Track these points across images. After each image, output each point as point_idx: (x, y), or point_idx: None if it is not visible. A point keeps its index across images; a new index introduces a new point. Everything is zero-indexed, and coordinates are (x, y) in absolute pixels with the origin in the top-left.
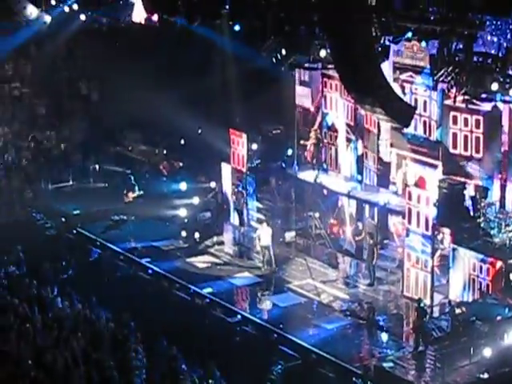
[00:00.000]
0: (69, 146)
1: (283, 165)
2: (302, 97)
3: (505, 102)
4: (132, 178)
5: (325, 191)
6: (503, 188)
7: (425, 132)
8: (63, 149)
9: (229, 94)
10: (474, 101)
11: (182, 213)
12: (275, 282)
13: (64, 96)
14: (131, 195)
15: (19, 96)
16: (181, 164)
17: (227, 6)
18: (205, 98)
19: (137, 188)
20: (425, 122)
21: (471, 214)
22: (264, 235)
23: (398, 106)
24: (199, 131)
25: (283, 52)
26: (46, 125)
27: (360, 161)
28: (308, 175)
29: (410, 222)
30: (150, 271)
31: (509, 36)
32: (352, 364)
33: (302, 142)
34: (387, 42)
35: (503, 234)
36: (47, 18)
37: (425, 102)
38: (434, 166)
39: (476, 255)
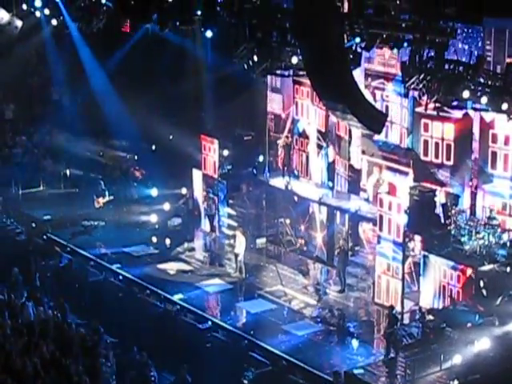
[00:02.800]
0: (39, 152)
1: (254, 171)
2: (274, 103)
3: (476, 109)
4: (102, 183)
5: (296, 198)
6: (474, 195)
7: (396, 139)
8: (34, 154)
9: (200, 100)
10: (446, 108)
11: (153, 219)
12: (245, 289)
13: (34, 101)
14: (101, 200)
15: None
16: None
17: (199, 12)
18: (176, 104)
19: (107, 193)
20: (396, 130)
21: (442, 221)
22: (238, 243)
23: (369, 113)
24: (170, 137)
25: (255, 58)
26: (16, 130)
27: (331, 167)
28: (279, 182)
29: (381, 229)
30: (120, 277)
31: (480, 44)
32: (322, 371)
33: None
34: (359, 49)
35: (474, 241)
36: (18, 23)
37: (396, 109)
38: (405, 173)
39: (447, 262)
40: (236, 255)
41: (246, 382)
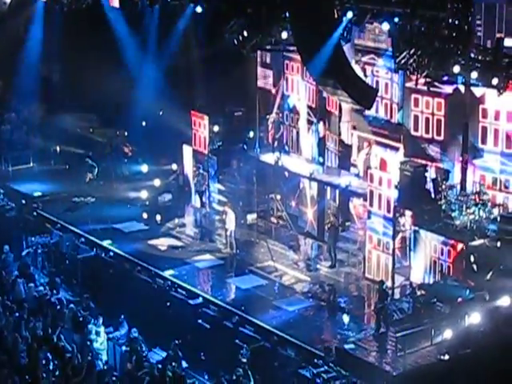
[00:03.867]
0: (28, 128)
1: (245, 147)
2: (264, 79)
3: (466, 84)
4: (90, 160)
5: (286, 173)
6: (464, 170)
7: (386, 114)
8: (23, 130)
9: (190, 76)
10: (436, 83)
11: (143, 195)
12: (236, 264)
13: (23, 77)
14: (89, 176)
15: None
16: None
17: None
18: (166, 79)
19: (96, 170)
20: (386, 105)
21: (432, 196)
22: (228, 219)
23: (359, 88)
24: (160, 113)
25: (245, 34)
26: (5, 106)
27: (321, 143)
28: (269, 157)
29: (371, 205)
30: (111, 253)
31: (470, 18)
32: (313, 346)
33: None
34: (349, 24)
35: (464, 216)
36: None
37: (386, 85)
38: (396, 149)
39: (437, 237)
40: (226, 231)
41: (244, 360)
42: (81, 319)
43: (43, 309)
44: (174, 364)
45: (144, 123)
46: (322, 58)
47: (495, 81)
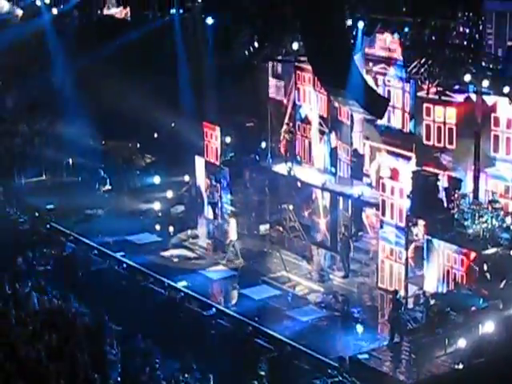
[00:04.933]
0: (41, 141)
1: (257, 158)
2: (275, 90)
3: (477, 93)
4: (102, 171)
5: (298, 184)
6: (476, 179)
7: (398, 124)
8: (35, 143)
9: (202, 88)
10: (447, 92)
11: (156, 206)
12: (248, 274)
13: (35, 90)
14: (102, 188)
15: None
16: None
17: (200, 0)
18: (178, 91)
19: (108, 182)
20: (398, 114)
21: (445, 205)
22: (231, 228)
23: (371, 98)
24: (172, 125)
25: (256, 45)
26: (17, 119)
27: (333, 153)
28: (282, 168)
29: (383, 214)
30: (124, 265)
31: (481, 27)
32: (327, 356)
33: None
34: (360, 34)
35: (477, 225)
36: (19, 12)
37: (398, 94)
38: (408, 158)
39: (450, 246)
40: (231, 241)
41: (262, 373)
42: (94, 331)
43: (56, 321)
44: (186, 375)
45: (156, 135)
46: (334, 68)
47: (506, 89)
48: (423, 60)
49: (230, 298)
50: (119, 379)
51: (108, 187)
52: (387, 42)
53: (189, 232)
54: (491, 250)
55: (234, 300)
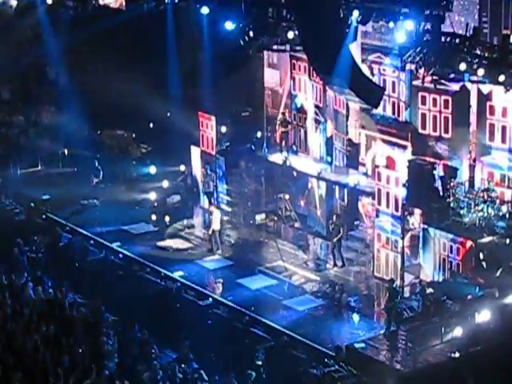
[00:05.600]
0: (36, 131)
1: (253, 147)
2: (271, 79)
3: (473, 81)
4: (97, 162)
5: (294, 173)
6: (472, 168)
7: (393, 113)
8: (31, 133)
9: (197, 77)
10: (443, 81)
11: (152, 196)
12: (243, 264)
13: (31, 80)
14: (95, 179)
15: None
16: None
17: None
18: (173, 81)
19: (101, 173)
20: (393, 103)
21: (441, 194)
22: (214, 218)
23: (367, 87)
24: (168, 114)
25: (251, 34)
26: (13, 110)
27: (329, 142)
28: (277, 157)
29: (379, 203)
30: (120, 255)
31: (476, 16)
32: (324, 345)
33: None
34: (355, 23)
35: (473, 213)
36: (13, 2)
37: (393, 83)
38: (403, 147)
39: (446, 235)
40: (213, 231)
41: (259, 362)
42: (90, 321)
43: (52, 312)
44: (183, 365)
45: (151, 125)
46: (329, 57)
47: (502, 78)
48: (418, 49)
49: (226, 287)
50: (116, 369)
51: (99, 179)
52: (382, 31)
53: (185, 222)
54: (487, 239)
55: (230, 290)
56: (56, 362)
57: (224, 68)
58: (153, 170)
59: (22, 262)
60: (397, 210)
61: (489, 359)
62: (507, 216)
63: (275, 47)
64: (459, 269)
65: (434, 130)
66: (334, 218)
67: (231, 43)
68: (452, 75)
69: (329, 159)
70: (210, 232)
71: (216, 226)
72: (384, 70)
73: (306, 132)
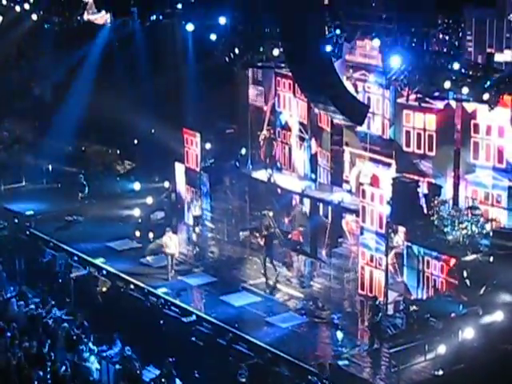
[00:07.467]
0: (21, 147)
1: (237, 164)
2: (256, 96)
3: (457, 100)
4: (82, 178)
5: (279, 190)
6: (456, 186)
7: (378, 130)
8: (15, 149)
9: (182, 94)
10: (427, 99)
11: (136, 213)
12: (226, 281)
13: (15, 96)
14: (80, 195)
15: None
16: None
17: (180, 6)
18: (158, 97)
19: (86, 188)
20: (378, 121)
21: (425, 211)
22: (172, 243)
23: (351, 105)
24: (152, 131)
25: (236, 51)
26: None
27: (313, 159)
28: (262, 174)
29: (364, 221)
30: (104, 272)
31: (460, 34)
32: (307, 362)
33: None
34: (340, 41)
35: (456, 231)
36: None
37: (378, 101)
38: (388, 165)
39: (430, 253)
40: (171, 256)
41: (243, 380)
42: (74, 338)
43: (36, 328)
44: (166, 382)
45: (136, 141)
46: (313, 74)
47: (486, 96)
48: (403, 67)
49: (209, 304)
50: None
51: (84, 194)
52: (367, 49)
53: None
54: (471, 257)
55: (213, 306)
56: (38, 379)
57: (209, 85)
58: (137, 186)
59: (4, 278)
60: (381, 227)
61: (472, 377)
62: (491, 234)
63: (260, 64)
64: (443, 286)
65: (419, 147)
66: (264, 230)
67: (216, 60)
68: (436, 93)
69: (313, 176)
70: (170, 258)
71: (174, 250)
72: (368, 87)
73: (290, 149)
